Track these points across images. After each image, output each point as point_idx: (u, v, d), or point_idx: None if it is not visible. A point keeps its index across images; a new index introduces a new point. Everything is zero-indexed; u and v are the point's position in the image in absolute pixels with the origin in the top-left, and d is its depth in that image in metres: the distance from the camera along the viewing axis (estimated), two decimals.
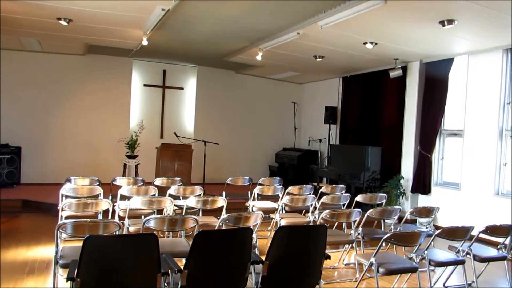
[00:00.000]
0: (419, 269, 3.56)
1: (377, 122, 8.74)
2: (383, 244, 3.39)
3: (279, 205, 5.53)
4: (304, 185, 6.10)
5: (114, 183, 5.76)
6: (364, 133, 9.05)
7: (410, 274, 3.98)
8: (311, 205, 5.32)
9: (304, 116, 11.35)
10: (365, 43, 6.46)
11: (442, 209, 5.53)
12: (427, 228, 4.95)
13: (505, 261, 4.20)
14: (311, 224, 5.04)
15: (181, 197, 5.33)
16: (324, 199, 5.32)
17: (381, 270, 3.33)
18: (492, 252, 4.10)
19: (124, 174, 8.34)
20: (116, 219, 4.53)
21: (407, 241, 3.55)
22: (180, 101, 10.37)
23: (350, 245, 4.67)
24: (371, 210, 4.47)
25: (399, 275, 4.04)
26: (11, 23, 6.40)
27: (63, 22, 6.09)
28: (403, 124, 7.95)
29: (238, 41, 7.37)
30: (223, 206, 4.63)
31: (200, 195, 5.14)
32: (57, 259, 3.14)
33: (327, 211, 4.25)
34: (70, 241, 4.55)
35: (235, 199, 5.99)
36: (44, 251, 4.85)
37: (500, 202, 6.22)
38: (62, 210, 4.31)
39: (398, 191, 7.55)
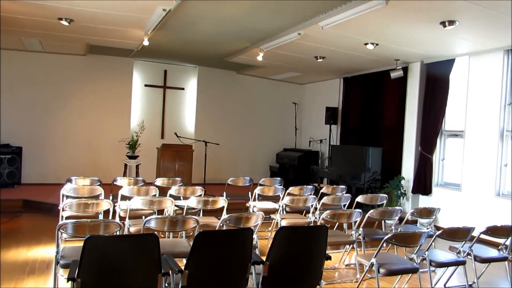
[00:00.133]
0: (420, 270, 3.56)
1: (378, 122, 8.74)
2: (384, 244, 3.39)
3: (279, 206, 5.53)
4: (305, 186, 6.10)
5: (114, 183, 5.76)
6: (365, 134, 9.05)
7: (411, 274, 3.98)
8: (312, 205, 5.32)
9: (305, 117, 11.35)
10: (366, 44, 6.45)
11: (443, 210, 5.52)
12: (427, 228, 4.93)
13: (506, 262, 4.20)
14: (311, 224, 5.05)
15: (181, 198, 5.33)
16: (324, 199, 5.32)
17: (381, 270, 3.33)
18: (493, 253, 4.10)
19: (124, 175, 8.34)
20: (117, 219, 4.54)
21: (408, 241, 3.54)
22: (181, 101, 10.38)
23: (351, 245, 4.68)
24: (371, 210, 4.47)
25: (399, 275, 4.04)
26: (12, 23, 6.41)
27: (64, 22, 6.10)
28: (404, 124, 7.94)
29: (239, 42, 7.37)
30: (223, 207, 4.62)
31: (200, 195, 5.15)
32: (57, 259, 3.14)
33: (327, 211, 4.25)
34: (71, 241, 4.55)
35: (235, 199, 5.98)
36: (45, 251, 4.86)
37: (500, 203, 6.21)
38: (63, 210, 4.32)
39: (399, 191, 7.55)
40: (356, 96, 9.50)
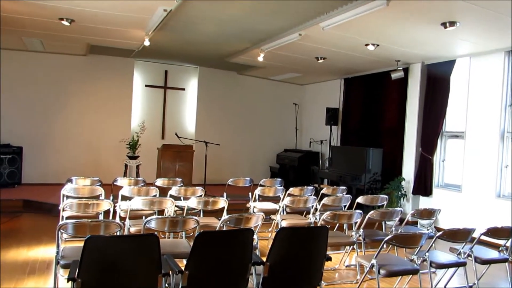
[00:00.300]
0: (420, 271, 3.56)
1: (379, 123, 8.74)
2: (384, 245, 3.38)
3: (280, 206, 5.53)
4: (305, 187, 6.10)
5: (115, 183, 5.76)
6: (366, 135, 9.05)
7: (411, 276, 3.98)
8: (312, 206, 5.31)
9: (306, 117, 11.35)
10: (366, 45, 6.45)
11: (444, 211, 5.51)
12: (428, 230, 4.93)
13: (507, 263, 4.20)
14: (312, 225, 5.05)
15: (182, 198, 5.33)
16: (325, 200, 5.32)
17: (382, 272, 3.33)
18: (493, 254, 4.10)
19: (125, 175, 8.34)
20: (117, 219, 4.54)
21: (408, 243, 3.54)
22: (182, 101, 10.38)
23: (351, 246, 4.67)
24: (372, 211, 4.47)
25: (400, 277, 4.04)
26: (13, 23, 6.41)
27: (65, 22, 6.11)
28: (405, 125, 7.94)
29: (240, 42, 7.37)
30: (224, 207, 4.62)
31: (201, 196, 5.15)
32: (58, 259, 3.14)
33: (328, 212, 4.24)
34: (71, 242, 4.54)
35: (236, 200, 5.98)
36: (45, 251, 4.86)
37: (501, 204, 6.21)
38: (63, 210, 4.33)
39: (399, 192, 7.54)
40: (357, 97, 9.50)
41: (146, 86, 9.95)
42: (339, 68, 8.88)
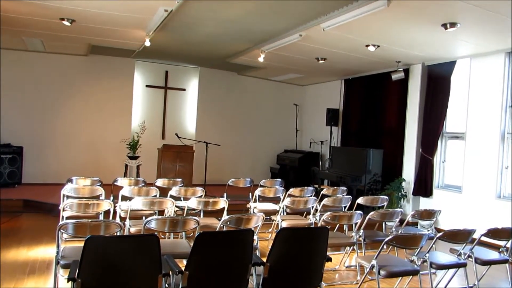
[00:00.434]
0: (421, 272, 3.55)
1: (379, 124, 8.74)
2: (385, 246, 3.38)
3: (280, 207, 5.53)
4: (306, 187, 6.10)
5: (115, 183, 5.76)
6: (366, 136, 9.05)
7: (411, 276, 3.97)
8: (312, 207, 5.31)
9: (306, 118, 11.35)
10: (367, 46, 6.45)
11: (444, 212, 5.51)
12: (428, 230, 4.93)
13: (507, 264, 4.19)
14: (312, 226, 5.04)
15: (182, 198, 5.33)
16: (325, 201, 5.32)
17: (382, 272, 3.32)
18: (493, 255, 4.09)
19: (125, 175, 8.34)
20: (117, 219, 4.54)
21: (408, 243, 3.54)
22: (182, 102, 10.38)
23: (351, 247, 4.67)
24: (372, 212, 4.47)
25: (400, 277, 4.04)
26: (14, 23, 6.42)
27: (66, 23, 6.11)
28: (405, 126, 7.94)
29: (240, 43, 7.37)
30: (224, 208, 4.62)
31: (201, 196, 5.14)
32: (58, 259, 3.14)
33: (328, 213, 4.24)
34: (71, 242, 4.55)
35: (236, 200, 5.99)
36: (45, 251, 4.86)
37: (501, 205, 6.21)
38: (64, 210, 4.33)
39: (400, 193, 7.54)
40: (357, 97, 9.50)
41: (147, 86, 9.95)
42: (340, 69, 8.88)
